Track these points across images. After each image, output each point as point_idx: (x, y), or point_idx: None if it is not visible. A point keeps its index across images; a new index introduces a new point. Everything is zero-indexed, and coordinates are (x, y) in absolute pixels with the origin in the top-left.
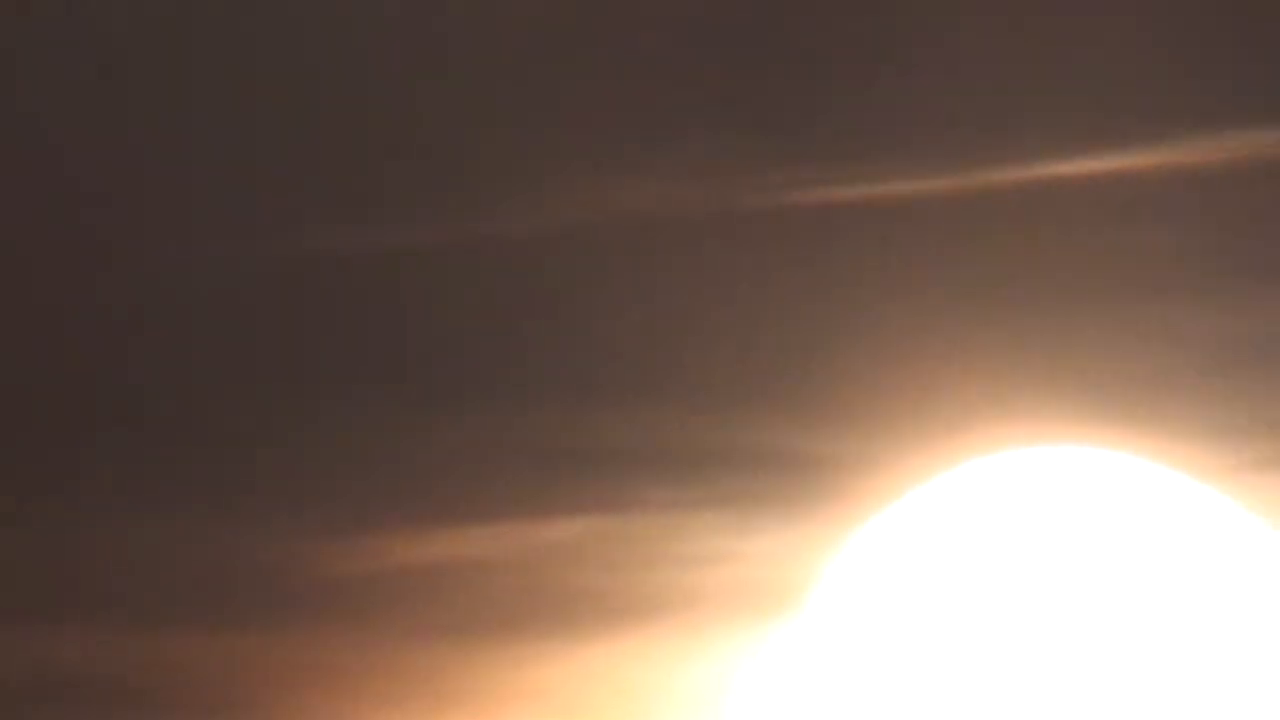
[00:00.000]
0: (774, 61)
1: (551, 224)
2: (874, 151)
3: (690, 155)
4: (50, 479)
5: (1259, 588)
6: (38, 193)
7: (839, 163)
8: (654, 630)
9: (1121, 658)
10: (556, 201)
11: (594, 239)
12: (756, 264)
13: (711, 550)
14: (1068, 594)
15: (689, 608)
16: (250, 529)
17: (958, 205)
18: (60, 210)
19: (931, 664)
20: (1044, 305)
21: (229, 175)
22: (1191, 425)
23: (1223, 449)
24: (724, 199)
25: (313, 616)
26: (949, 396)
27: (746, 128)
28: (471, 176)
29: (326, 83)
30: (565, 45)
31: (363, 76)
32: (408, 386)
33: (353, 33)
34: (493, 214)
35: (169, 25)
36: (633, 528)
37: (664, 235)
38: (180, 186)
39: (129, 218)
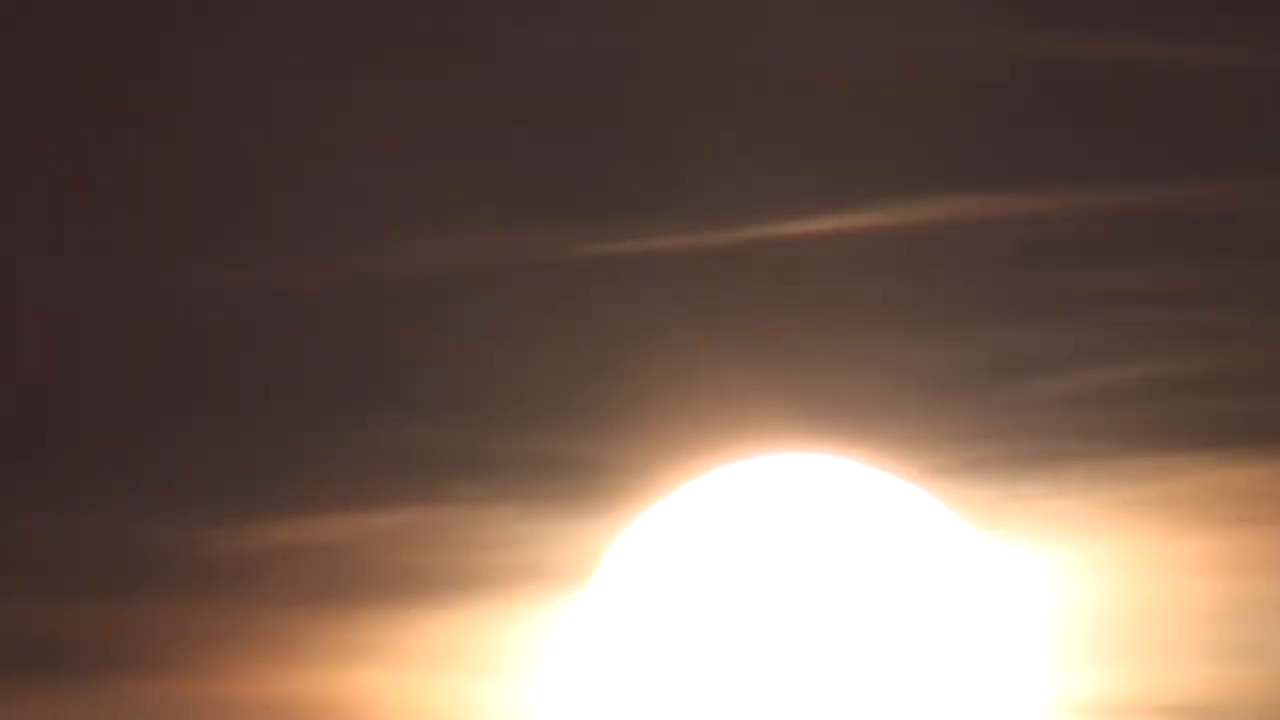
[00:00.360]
0: (560, 141)
1: (383, 272)
2: (639, 212)
3: (487, 220)
4: None
5: (959, 579)
6: None
7: (608, 223)
8: (466, 600)
9: (836, 643)
10: (386, 254)
11: (411, 286)
12: (545, 307)
13: (509, 536)
14: (791, 580)
15: (493, 582)
16: (146, 517)
17: (709, 258)
18: None
19: (691, 635)
20: (784, 339)
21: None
22: (902, 435)
23: (930, 455)
24: (515, 254)
25: (197, 588)
26: (705, 414)
27: (534, 198)
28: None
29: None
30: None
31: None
32: (272, 403)
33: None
34: (343, 262)
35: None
36: (445, 518)
37: (468, 283)
38: (72, 222)
39: (40, 248)
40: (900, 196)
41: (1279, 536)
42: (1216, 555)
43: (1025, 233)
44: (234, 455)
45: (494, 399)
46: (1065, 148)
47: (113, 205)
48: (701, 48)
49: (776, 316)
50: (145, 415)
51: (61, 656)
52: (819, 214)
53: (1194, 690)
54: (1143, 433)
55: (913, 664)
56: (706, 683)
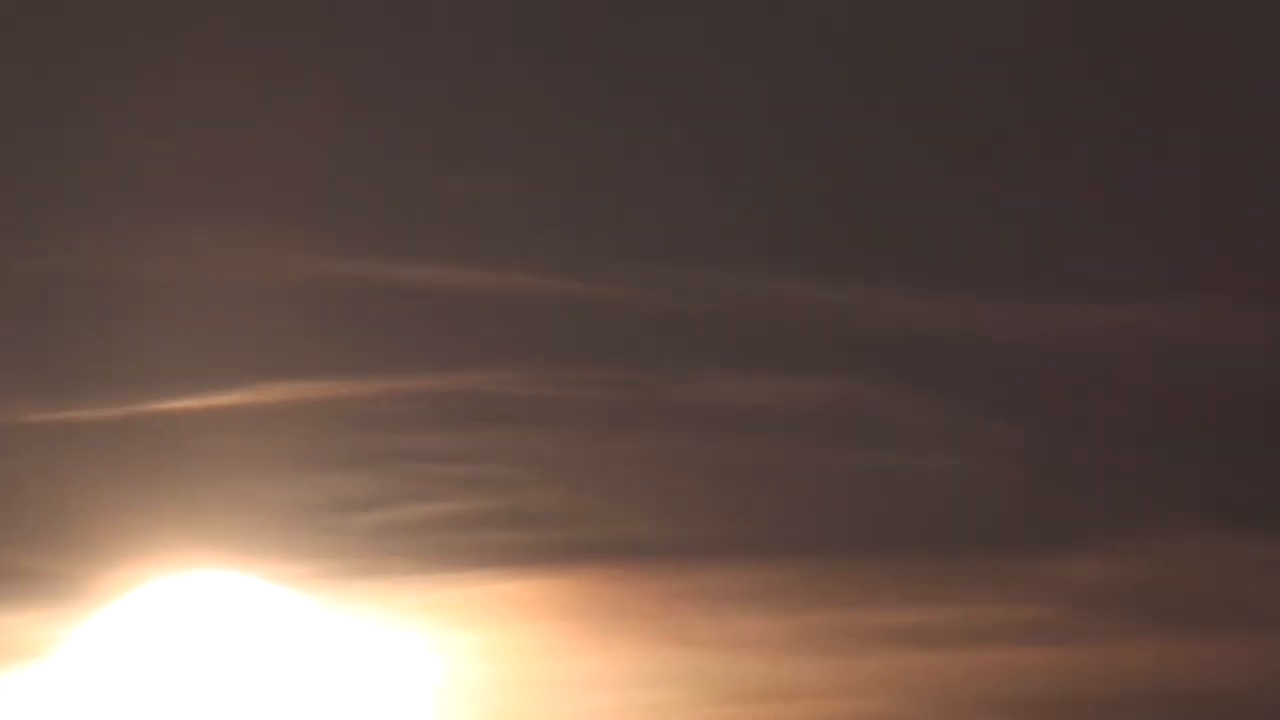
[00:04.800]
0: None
1: None
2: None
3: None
4: None
5: (344, 664)
6: None
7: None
8: None
9: None
10: None
11: None
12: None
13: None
14: (210, 670)
15: None
16: None
17: (122, 426)
18: None
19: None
20: (181, 485)
21: None
22: (272, 554)
23: (295, 568)
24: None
25: None
26: (135, 543)
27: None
28: None
29: None
30: None
31: None
32: None
33: None
34: None
35: None
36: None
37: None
38: None
39: None
40: (260, 380)
41: (534, 633)
42: (488, 647)
43: (347, 406)
44: None
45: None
46: (374, 347)
47: None
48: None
49: (179, 470)
50: None
51: None
52: (200, 392)
53: None
54: (435, 555)
55: None
56: None
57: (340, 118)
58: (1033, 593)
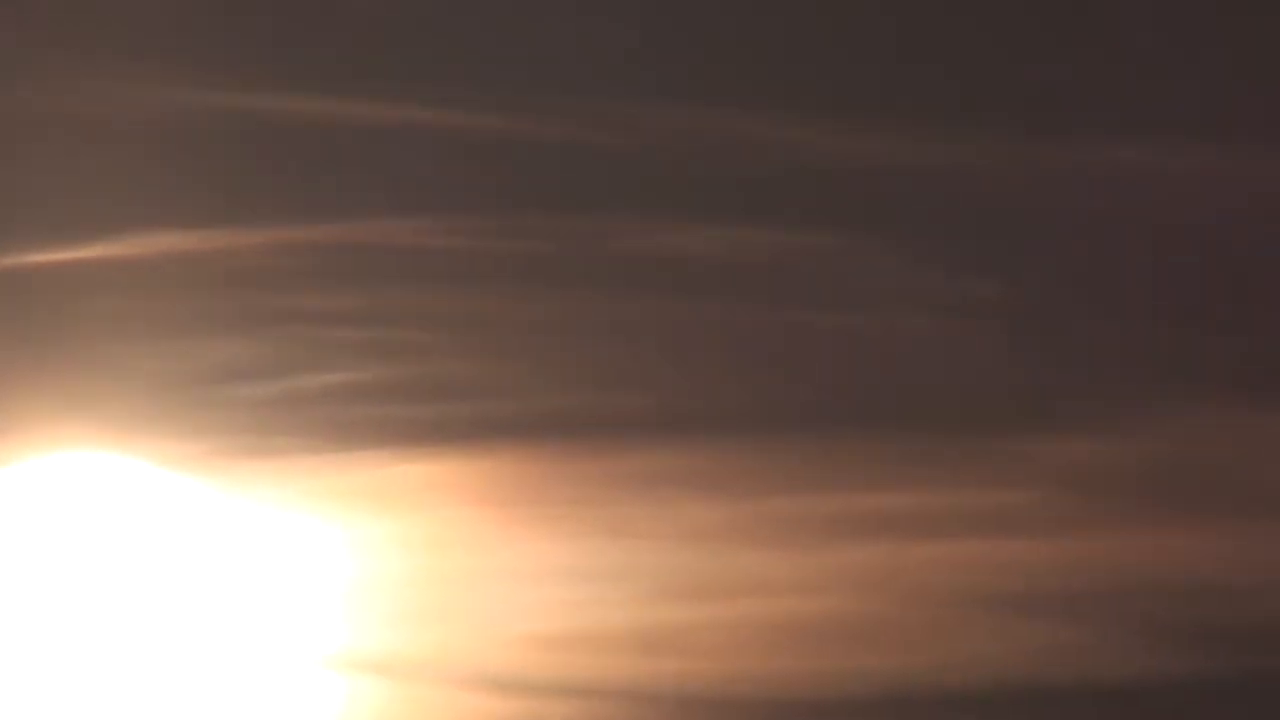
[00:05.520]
0: None
1: None
2: None
3: None
4: None
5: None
6: None
7: None
8: None
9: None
10: None
11: None
12: None
13: None
14: (88, 566)
15: None
16: None
17: None
18: None
19: None
20: (49, 353)
21: None
22: (151, 431)
23: (177, 447)
24: None
25: None
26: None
27: None
28: None
29: None
30: None
31: None
32: None
33: None
34: None
35: None
36: None
37: None
38: None
39: None
40: (129, 231)
41: (450, 520)
42: (399, 536)
43: (230, 263)
44: None
45: None
46: (263, 192)
47: None
48: None
49: (40, 335)
50: None
51: None
52: (65, 245)
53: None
54: (335, 432)
55: (209, 635)
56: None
57: None
58: (1020, 476)
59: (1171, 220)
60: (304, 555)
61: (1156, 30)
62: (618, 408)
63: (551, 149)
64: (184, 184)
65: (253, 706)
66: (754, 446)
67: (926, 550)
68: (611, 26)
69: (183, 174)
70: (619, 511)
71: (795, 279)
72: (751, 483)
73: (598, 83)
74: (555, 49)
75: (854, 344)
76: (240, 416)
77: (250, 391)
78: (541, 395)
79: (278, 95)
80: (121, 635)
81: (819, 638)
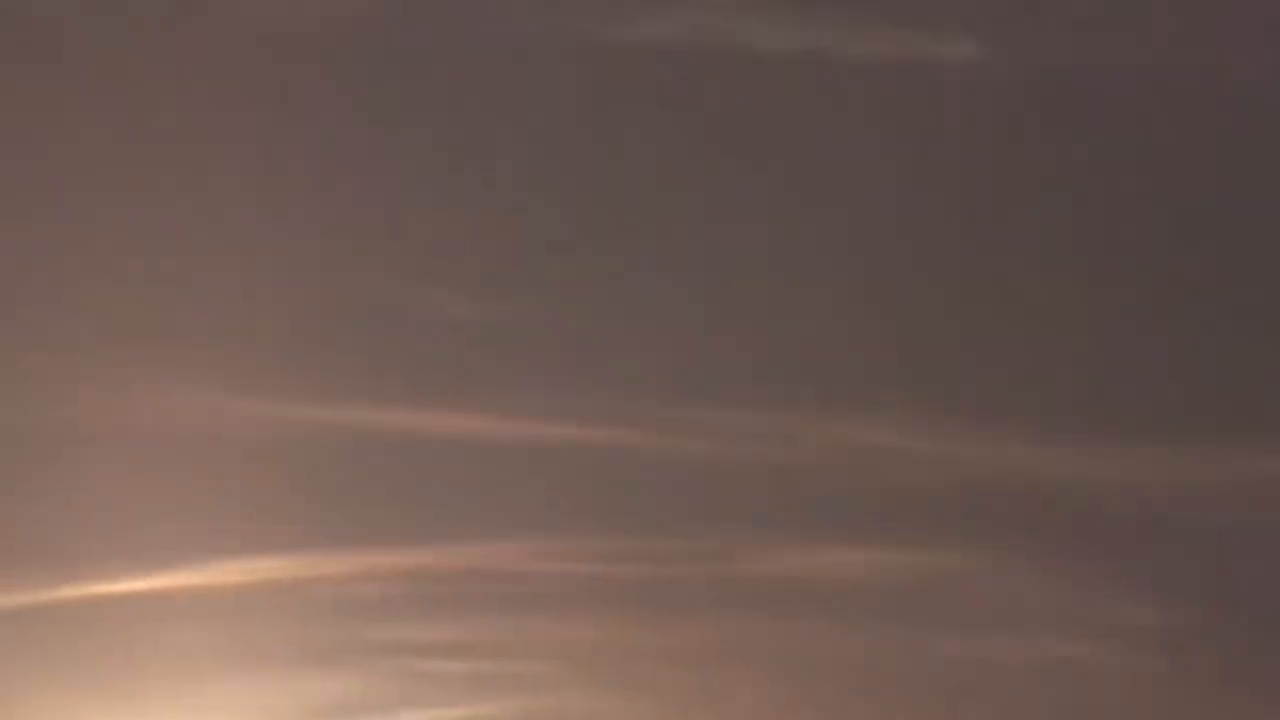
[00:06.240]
0: None
1: None
2: None
3: None
4: None
5: None
6: None
7: None
8: None
9: None
10: None
11: None
12: None
13: None
14: None
15: None
16: None
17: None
18: None
19: None
20: (120, 689)
21: None
22: None
23: None
24: None
25: None
26: None
27: None
28: None
29: None
30: None
31: None
32: None
33: None
34: None
35: None
36: None
37: None
38: None
39: None
40: (213, 558)
41: None
42: None
43: (324, 589)
44: None
45: None
46: (363, 514)
47: None
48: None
49: (107, 671)
50: None
51: None
52: (139, 573)
53: None
54: None
55: None
56: None
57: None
58: None
59: None
60: None
61: None
62: None
63: (664, 464)
64: (269, 507)
65: None
66: None
67: None
68: (735, 336)
69: (268, 495)
70: None
71: (931, 603)
72: None
73: (713, 390)
74: (678, 356)
75: (996, 670)
76: None
77: None
78: None
79: (373, 410)
80: None
81: None
